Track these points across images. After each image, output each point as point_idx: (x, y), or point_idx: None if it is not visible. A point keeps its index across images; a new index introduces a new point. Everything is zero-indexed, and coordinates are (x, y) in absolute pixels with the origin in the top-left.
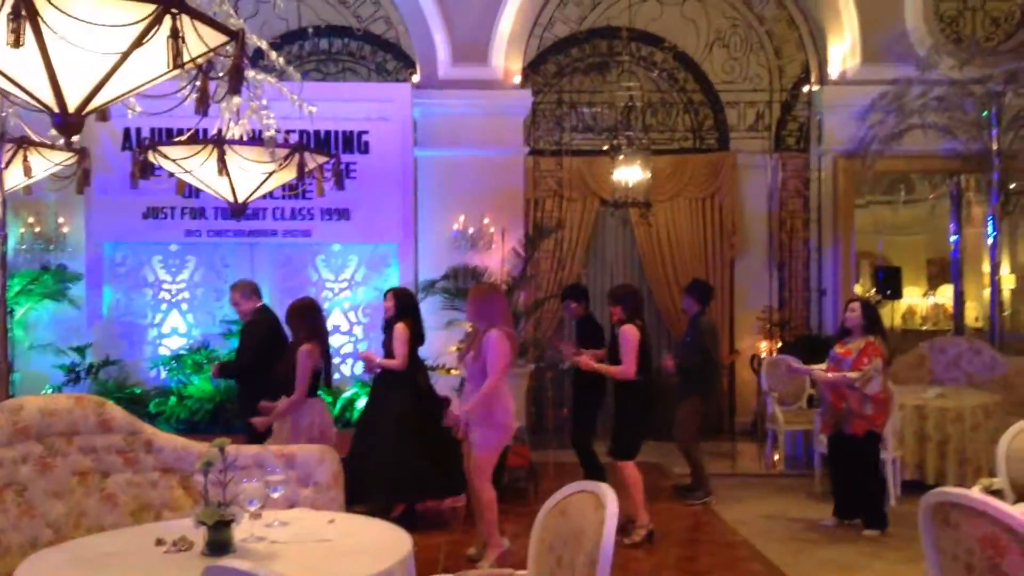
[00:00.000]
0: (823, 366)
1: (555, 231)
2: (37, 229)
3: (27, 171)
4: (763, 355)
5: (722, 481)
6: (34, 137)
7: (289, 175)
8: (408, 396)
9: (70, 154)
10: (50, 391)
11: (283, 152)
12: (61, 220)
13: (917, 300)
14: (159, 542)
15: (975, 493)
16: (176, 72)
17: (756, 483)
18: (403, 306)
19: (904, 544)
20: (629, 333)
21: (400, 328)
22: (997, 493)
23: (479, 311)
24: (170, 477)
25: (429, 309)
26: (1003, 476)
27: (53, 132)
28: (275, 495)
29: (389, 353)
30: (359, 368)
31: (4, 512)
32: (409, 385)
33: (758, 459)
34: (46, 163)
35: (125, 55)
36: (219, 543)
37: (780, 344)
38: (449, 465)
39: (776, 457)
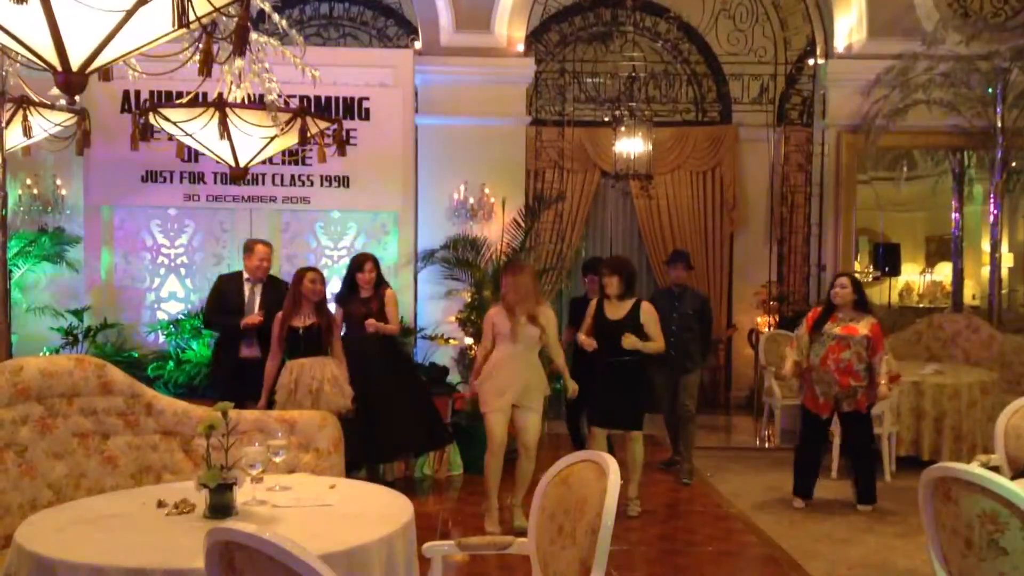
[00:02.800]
0: (798, 333)
1: (556, 202)
2: (35, 191)
3: (27, 131)
4: (762, 330)
5: (718, 454)
6: (34, 97)
7: (291, 140)
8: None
9: (70, 115)
10: (47, 354)
11: (285, 117)
12: (59, 182)
13: (915, 277)
14: (160, 504)
15: (976, 468)
16: (180, 32)
17: (752, 456)
18: (380, 274)
19: (898, 519)
20: (651, 309)
21: (393, 294)
22: (995, 470)
23: (533, 289)
24: (170, 440)
25: (428, 278)
26: (1000, 453)
27: (53, 92)
28: (277, 459)
29: (366, 316)
30: None
31: (4, 472)
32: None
33: (754, 433)
34: (46, 123)
35: (130, 13)
36: (221, 506)
37: (778, 319)
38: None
39: (771, 431)
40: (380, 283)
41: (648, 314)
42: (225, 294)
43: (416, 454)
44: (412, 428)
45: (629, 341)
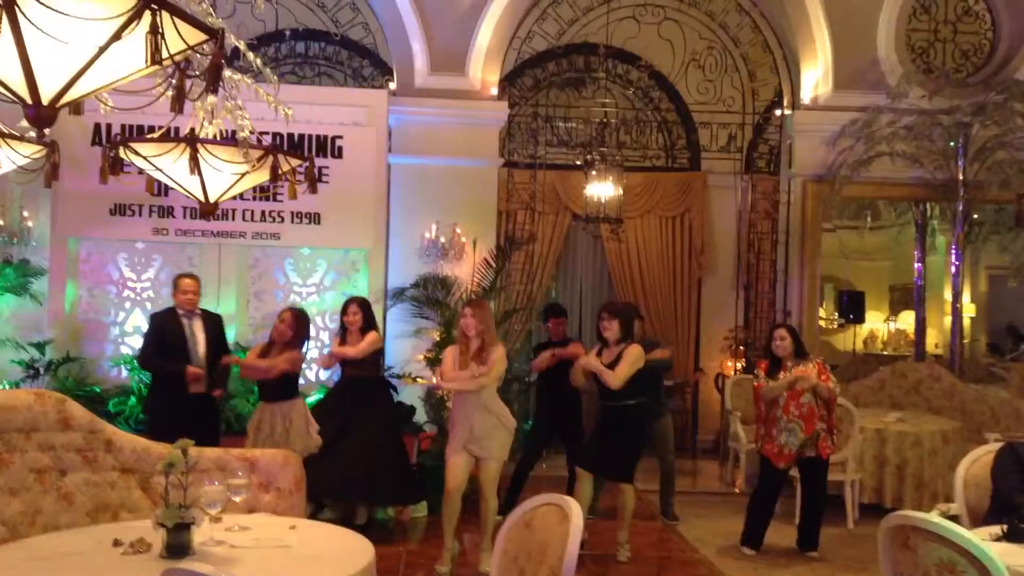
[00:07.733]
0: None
1: (527, 243)
2: (0, 222)
3: None
4: (729, 374)
5: (684, 499)
6: (3, 129)
7: (262, 177)
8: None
9: (39, 147)
10: (7, 387)
11: (257, 153)
12: (26, 214)
13: (879, 325)
14: (116, 543)
15: (935, 517)
16: (153, 68)
17: (717, 501)
18: (369, 317)
19: (860, 566)
20: (637, 351)
21: (373, 335)
22: (954, 519)
23: (490, 324)
24: (129, 478)
25: (398, 317)
26: (960, 502)
27: (22, 124)
28: (237, 499)
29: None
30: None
31: None
32: (385, 397)
33: (719, 478)
34: (15, 156)
35: (103, 49)
36: (178, 546)
37: (744, 364)
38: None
39: (737, 476)
40: (370, 326)
41: (629, 353)
42: (164, 333)
43: (378, 503)
44: (379, 475)
45: (585, 360)
